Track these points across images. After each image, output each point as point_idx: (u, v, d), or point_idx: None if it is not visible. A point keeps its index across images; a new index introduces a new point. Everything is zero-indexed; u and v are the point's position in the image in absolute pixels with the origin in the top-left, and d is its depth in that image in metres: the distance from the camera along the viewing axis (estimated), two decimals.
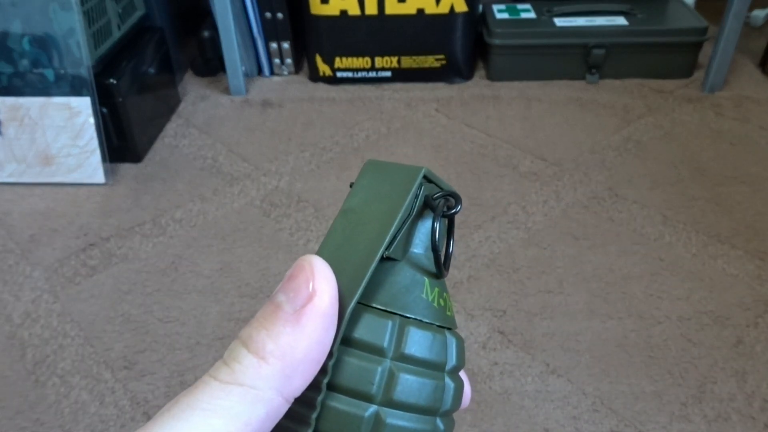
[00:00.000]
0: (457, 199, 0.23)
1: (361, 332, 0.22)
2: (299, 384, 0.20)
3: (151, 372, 0.80)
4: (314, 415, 0.21)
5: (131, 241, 1.00)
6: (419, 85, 1.40)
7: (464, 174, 1.13)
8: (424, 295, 0.23)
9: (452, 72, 1.39)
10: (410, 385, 0.22)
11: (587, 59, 1.36)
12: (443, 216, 0.23)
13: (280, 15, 1.37)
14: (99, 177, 1.12)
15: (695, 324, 0.84)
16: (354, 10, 1.32)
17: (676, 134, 1.22)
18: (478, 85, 1.40)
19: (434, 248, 0.23)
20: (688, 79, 1.39)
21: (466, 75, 1.41)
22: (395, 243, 0.22)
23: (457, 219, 1.02)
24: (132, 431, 0.73)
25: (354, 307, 0.21)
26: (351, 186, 0.24)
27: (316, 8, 1.32)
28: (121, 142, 1.16)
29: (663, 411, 0.74)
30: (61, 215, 1.06)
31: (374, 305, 0.22)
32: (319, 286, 0.20)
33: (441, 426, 0.23)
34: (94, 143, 1.10)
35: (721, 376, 0.77)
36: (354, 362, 0.21)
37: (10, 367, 0.81)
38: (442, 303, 0.24)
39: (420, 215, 0.24)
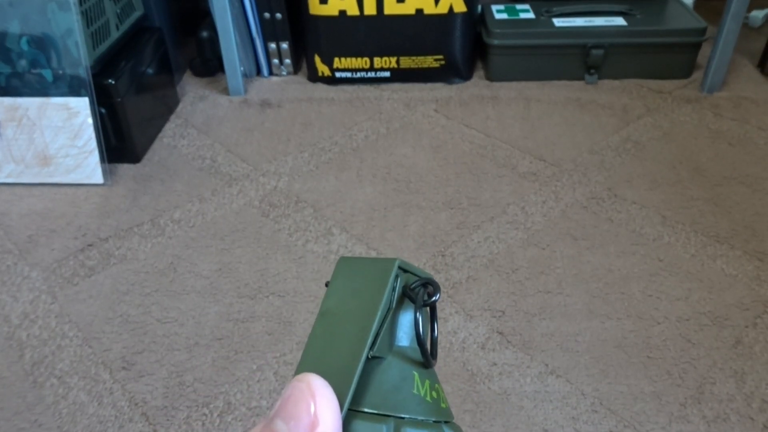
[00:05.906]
0: (435, 287, 0.22)
1: None
2: None
3: (149, 373, 0.80)
4: None
5: (130, 241, 1.00)
6: (418, 85, 1.40)
7: (463, 174, 1.13)
8: (415, 391, 0.22)
9: (451, 72, 1.39)
10: None
11: (586, 60, 1.36)
12: (424, 305, 0.22)
13: (278, 15, 1.37)
14: (97, 177, 1.12)
15: (694, 324, 0.84)
16: (353, 11, 1.32)
17: (674, 135, 1.22)
18: (477, 85, 1.40)
19: (419, 341, 0.22)
20: (687, 79, 1.39)
21: (465, 75, 1.41)
22: (378, 341, 0.21)
23: (457, 218, 1.02)
24: None
25: (345, 416, 0.19)
26: (326, 285, 0.23)
27: (315, 8, 1.32)
28: (120, 143, 1.15)
29: (662, 411, 0.74)
30: (59, 216, 1.06)
31: (365, 409, 0.21)
32: (322, 411, 0.18)
33: None
34: (93, 143, 1.10)
35: (720, 376, 0.77)
36: None
37: (8, 368, 0.81)
38: (434, 395, 0.23)
39: (400, 307, 0.23)
